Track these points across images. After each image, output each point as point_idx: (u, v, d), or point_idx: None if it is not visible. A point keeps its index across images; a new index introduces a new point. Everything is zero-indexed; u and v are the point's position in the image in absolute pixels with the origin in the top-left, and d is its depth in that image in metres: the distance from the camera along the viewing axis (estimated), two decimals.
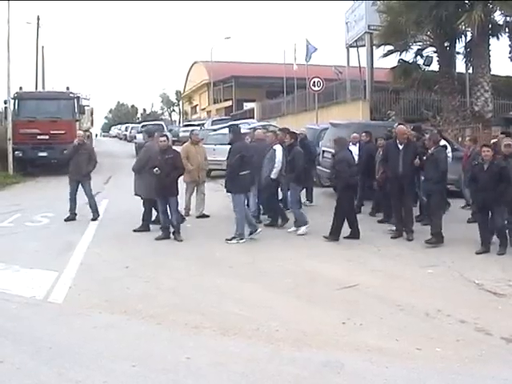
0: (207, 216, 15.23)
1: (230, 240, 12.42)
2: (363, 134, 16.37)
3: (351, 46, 34.51)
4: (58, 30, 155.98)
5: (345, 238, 12.58)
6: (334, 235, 12.48)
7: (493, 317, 8.18)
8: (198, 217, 14.99)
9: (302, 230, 13.33)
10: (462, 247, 11.73)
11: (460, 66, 27.99)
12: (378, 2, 27.19)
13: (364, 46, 31.67)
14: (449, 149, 14.24)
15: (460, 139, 18.50)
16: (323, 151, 17.90)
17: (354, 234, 12.64)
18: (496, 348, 7.16)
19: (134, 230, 13.39)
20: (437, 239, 12.06)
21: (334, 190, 12.59)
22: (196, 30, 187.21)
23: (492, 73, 25.71)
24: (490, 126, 21.08)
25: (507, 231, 11.61)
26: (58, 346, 7.03)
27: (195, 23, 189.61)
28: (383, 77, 29.37)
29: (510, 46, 38.29)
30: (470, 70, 27.15)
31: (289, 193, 14.17)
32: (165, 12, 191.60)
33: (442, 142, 13.43)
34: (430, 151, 12.48)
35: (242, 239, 12.50)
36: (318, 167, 17.24)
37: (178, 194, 12.89)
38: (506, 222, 11.60)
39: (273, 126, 28.68)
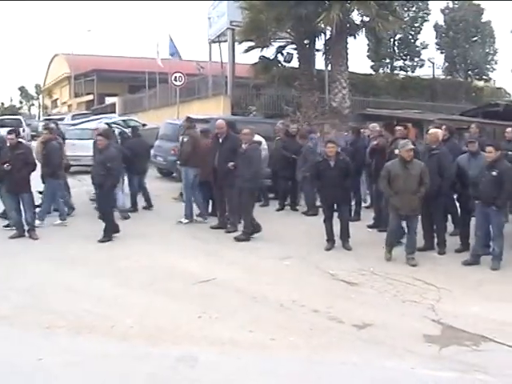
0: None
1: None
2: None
3: (213, 42, 34.50)
4: None
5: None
6: (108, 234, 12.18)
7: (345, 305, 8.51)
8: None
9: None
10: (319, 239, 11.90)
11: (319, 63, 28.72)
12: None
13: (226, 41, 31.76)
14: (264, 144, 14.64)
15: (319, 134, 18.95)
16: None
17: (108, 232, 12.19)
18: (347, 335, 7.44)
19: None
20: (245, 236, 12.10)
21: (95, 188, 12.60)
22: (57, 22, 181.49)
23: (350, 70, 26.55)
24: (347, 121, 21.73)
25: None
26: None
27: (55, 15, 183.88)
28: (245, 72, 29.64)
29: (367, 44, 39.94)
30: (329, 68, 27.91)
31: None
32: (23, 3, 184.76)
33: (257, 138, 13.44)
34: (243, 147, 12.39)
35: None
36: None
37: (30, 190, 12.43)
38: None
39: (134, 120, 28.35)
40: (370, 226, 13.13)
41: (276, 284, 9.41)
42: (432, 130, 11.97)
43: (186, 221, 13.66)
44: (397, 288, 9.31)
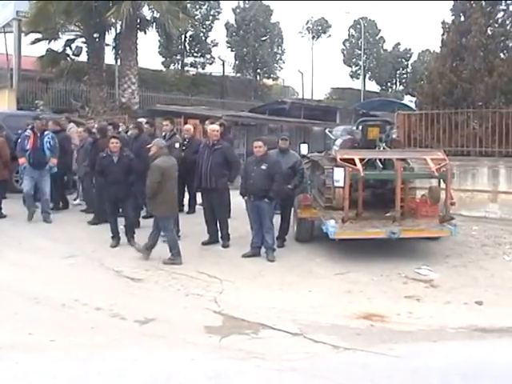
0: None
1: None
2: None
3: None
4: None
5: None
6: None
7: (128, 302, 8.56)
8: None
9: None
10: (105, 237, 11.83)
11: (109, 57, 28.54)
12: None
13: (12, 32, 30.47)
14: None
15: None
16: None
17: None
18: (129, 331, 7.48)
19: None
20: None
21: None
22: None
23: (140, 66, 26.64)
24: (137, 117, 21.73)
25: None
26: None
27: None
28: (32, 65, 28.70)
29: (159, 41, 40.12)
30: (119, 63, 27.78)
31: None
32: None
33: None
34: None
35: None
36: None
37: None
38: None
39: None
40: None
41: (59, 283, 9.26)
42: (211, 126, 12.37)
43: None
44: (181, 282, 9.52)
